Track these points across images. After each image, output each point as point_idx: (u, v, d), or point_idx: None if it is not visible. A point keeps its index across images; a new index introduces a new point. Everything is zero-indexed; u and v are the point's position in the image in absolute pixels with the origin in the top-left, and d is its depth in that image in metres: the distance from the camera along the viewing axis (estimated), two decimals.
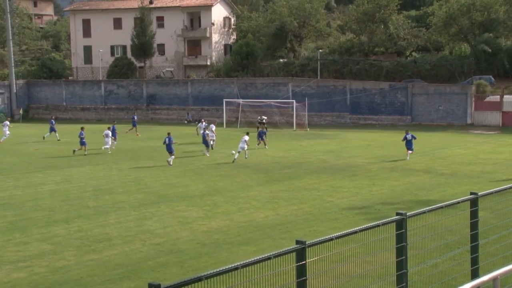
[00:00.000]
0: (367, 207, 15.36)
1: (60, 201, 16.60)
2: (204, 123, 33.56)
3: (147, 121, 56.78)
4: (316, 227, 13.10)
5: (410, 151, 24.91)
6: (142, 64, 60.70)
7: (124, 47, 63.01)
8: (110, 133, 29.25)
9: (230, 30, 63.41)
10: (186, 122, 51.97)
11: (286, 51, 60.11)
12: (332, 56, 53.78)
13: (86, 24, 62.91)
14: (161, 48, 62.87)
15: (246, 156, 25.71)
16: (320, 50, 54.31)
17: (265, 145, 30.07)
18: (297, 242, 5.04)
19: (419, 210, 6.39)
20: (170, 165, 23.44)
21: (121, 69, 59.41)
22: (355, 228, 5.57)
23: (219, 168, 22.95)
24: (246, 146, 25.36)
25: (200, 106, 53.85)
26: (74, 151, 27.84)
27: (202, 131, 31.02)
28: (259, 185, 18.89)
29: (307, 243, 5.07)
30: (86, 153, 27.63)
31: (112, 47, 63.86)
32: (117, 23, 62.10)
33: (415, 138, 25.54)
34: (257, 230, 13.05)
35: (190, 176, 21.07)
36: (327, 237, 5.27)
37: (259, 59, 55.76)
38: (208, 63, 61.20)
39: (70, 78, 62.92)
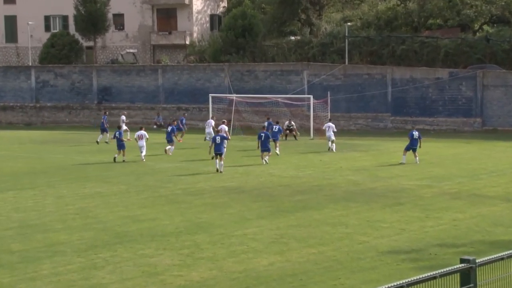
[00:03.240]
0: (418, 250, 15.25)
1: None
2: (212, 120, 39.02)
3: (99, 125, 57.01)
4: (343, 280, 13.06)
5: (415, 156, 29.13)
6: (91, 44, 61.05)
7: (64, 19, 63.23)
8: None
9: None
10: (155, 126, 52.10)
11: (299, 25, 60.51)
12: (366, 31, 53.97)
13: None
14: (119, 21, 63.19)
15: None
16: (349, 24, 54.42)
17: (276, 148, 33.23)
18: None
19: (495, 256, 6.52)
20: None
21: (60, 51, 59.57)
22: (401, 282, 5.60)
23: (203, 194, 22.92)
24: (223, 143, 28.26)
25: (176, 104, 54.09)
26: (114, 158, 31.90)
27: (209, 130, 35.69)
28: (260, 218, 18.86)
29: None
30: (124, 158, 31.77)
31: (47, 19, 63.95)
32: None
33: (420, 138, 30.58)
34: (258, 284, 12.94)
35: (161, 205, 21.01)
36: None
37: (260, 36, 56.08)
38: (187, 42, 61.54)
39: None
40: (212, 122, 39.76)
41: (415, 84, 48.07)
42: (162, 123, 53.33)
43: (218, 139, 28.40)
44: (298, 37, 57.02)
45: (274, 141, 33.75)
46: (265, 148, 30.37)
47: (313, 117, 44.37)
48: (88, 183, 25.37)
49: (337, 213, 19.47)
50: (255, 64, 53.28)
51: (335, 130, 35.96)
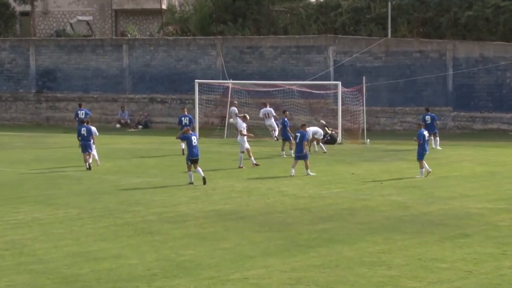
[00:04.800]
0: None
1: None
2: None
3: (39, 122, 56.95)
4: None
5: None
6: (27, 9, 61.04)
7: None
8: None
9: None
10: (118, 125, 52.10)
11: None
12: None
13: None
14: None
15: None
16: None
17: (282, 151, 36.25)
18: None
19: None
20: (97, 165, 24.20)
21: None
22: None
23: (186, 221, 22.80)
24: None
25: (148, 93, 54.14)
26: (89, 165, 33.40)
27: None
28: (267, 256, 18.67)
29: None
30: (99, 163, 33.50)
31: None
32: None
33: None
34: None
35: (127, 237, 20.85)
36: None
37: None
38: (164, 7, 61.51)
39: None
40: (236, 110, 40.52)
41: (486, 65, 48.09)
42: (129, 121, 53.30)
43: (194, 139, 29.51)
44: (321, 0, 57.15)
45: (284, 140, 36.98)
46: (298, 153, 31.79)
47: (342, 112, 44.41)
48: (23, 206, 25.15)
49: (376, 248, 19.30)
50: (260, 38, 53.30)
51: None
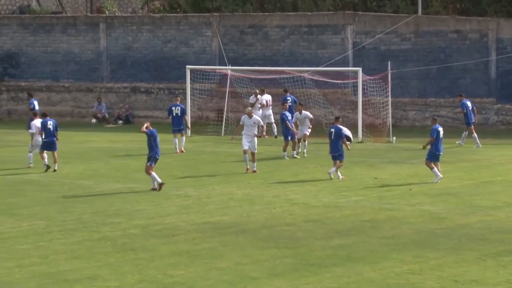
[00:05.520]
0: None
1: None
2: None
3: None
4: None
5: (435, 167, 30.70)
6: None
7: None
8: None
9: None
10: (94, 120, 52.09)
11: None
12: None
13: None
14: None
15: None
16: None
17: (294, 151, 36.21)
18: None
19: None
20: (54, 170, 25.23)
21: None
22: None
23: (176, 236, 22.77)
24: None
25: (130, 82, 54.18)
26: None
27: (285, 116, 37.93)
28: (273, 277, 18.60)
29: None
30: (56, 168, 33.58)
31: None
32: None
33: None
34: None
35: (104, 254, 20.72)
36: None
37: None
38: None
39: None
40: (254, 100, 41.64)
41: None
42: (107, 115, 53.23)
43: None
44: None
45: (292, 139, 37.15)
46: (334, 152, 32.02)
47: (363, 104, 44.40)
48: None
49: (404, 268, 19.20)
50: (265, 15, 53.14)
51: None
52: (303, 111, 38.06)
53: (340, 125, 32.88)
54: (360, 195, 28.46)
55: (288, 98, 42.94)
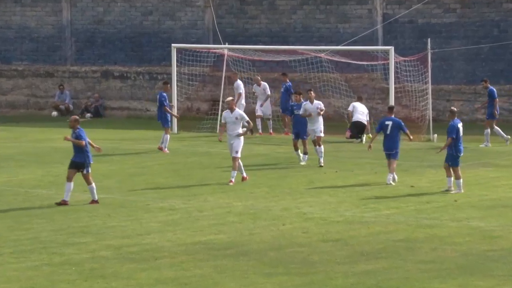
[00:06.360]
0: None
1: None
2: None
3: None
4: None
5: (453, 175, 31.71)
6: None
7: None
8: None
9: None
10: (55, 113, 52.16)
11: None
12: None
13: None
14: None
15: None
16: None
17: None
18: None
19: None
20: None
21: None
22: None
23: (160, 259, 22.81)
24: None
25: (100, 64, 54.23)
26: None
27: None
28: None
29: None
30: None
31: None
32: None
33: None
34: None
35: (68, 283, 20.68)
36: None
37: None
38: None
39: None
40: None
41: None
42: (71, 106, 53.29)
43: None
44: None
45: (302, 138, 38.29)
46: (390, 149, 33.44)
47: (396, 92, 44.42)
48: None
49: None
50: None
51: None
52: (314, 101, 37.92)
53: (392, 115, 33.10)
54: (393, 208, 28.54)
55: (285, 85, 43.44)
